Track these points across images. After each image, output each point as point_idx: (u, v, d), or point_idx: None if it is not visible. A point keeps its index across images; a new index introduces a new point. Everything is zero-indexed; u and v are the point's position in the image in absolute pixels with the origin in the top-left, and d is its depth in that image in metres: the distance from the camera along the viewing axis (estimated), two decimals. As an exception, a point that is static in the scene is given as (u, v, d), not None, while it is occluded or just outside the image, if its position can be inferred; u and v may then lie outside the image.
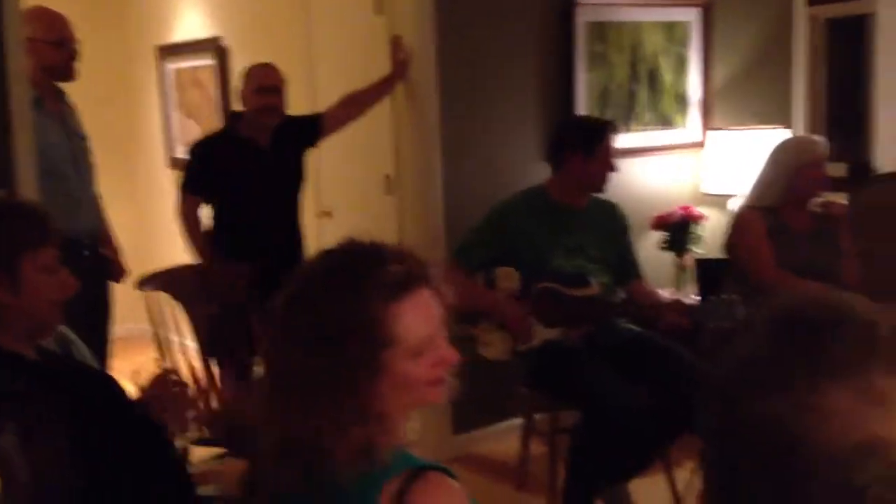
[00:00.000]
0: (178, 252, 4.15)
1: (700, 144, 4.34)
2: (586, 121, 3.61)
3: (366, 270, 1.29)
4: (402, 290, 1.28)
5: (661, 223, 4.06)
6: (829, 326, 0.70)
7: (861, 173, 5.56)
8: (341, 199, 4.36)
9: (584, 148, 3.18)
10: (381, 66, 3.78)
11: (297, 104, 3.86)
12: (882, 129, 5.41)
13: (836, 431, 0.65)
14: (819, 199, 3.53)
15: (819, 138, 3.71)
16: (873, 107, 5.59)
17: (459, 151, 3.78)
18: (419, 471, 1.21)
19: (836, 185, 4.74)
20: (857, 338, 0.68)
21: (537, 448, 3.50)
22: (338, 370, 1.23)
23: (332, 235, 4.29)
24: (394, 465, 1.22)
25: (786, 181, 3.40)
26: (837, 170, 5.76)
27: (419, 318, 1.29)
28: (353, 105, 3.73)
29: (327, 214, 4.40)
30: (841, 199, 3.87)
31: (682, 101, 4.32)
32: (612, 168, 3.23)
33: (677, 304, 3.10)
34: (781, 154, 3.45)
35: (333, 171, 4.33)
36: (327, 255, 1.35)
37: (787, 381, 0.68)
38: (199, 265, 3.55)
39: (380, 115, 3.87)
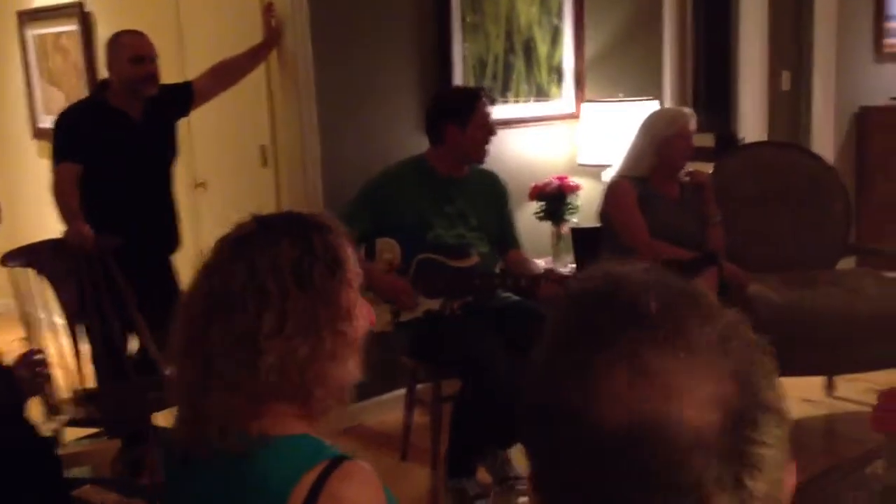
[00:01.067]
0: (45, 226, 3.96)
1: (575, 116, 4.41)
2: (458, 91, 3.63)
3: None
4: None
5: (539, 193, 4.12)
6: (600, 303, 0.68)
7: (727, 143, 5.80)
8: (216, 170, 4.25)
9: (459, 118, 3.19)
10: (253, 34, 3.69)
11: (167, 74, 3.72)
12: (745, 101, 5.65)
13: (610, 411, 0.63)
14: (686, 169, 3.65)
15: (686, 110, 3.84)
16: (737, 79, 5.83)
17: (336, 122, 3.73)
18: (337, 461, 1.19)
19: (705, 154, 4.91)
20: (623, 313, 0.66)
21: (421, 417, 3.52)
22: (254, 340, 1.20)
23: (207, 207, 4.26)
24: (309, 455, 1.20)
25: (655, 152, 3.52)
26: (705, 140, 6.00)
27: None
28: (225, 74, 3.63)
29: (202, 186, 4.29)
30: (710, 168, 4.02)
31: (557, 72, 4.38)
32: (489, 135, 3.25)
33: (552, 274, 3.16)
34: (650, 125, 3.57)
35: (207, 141, 4.22)
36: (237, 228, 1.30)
37: (566, 362, 0.66)
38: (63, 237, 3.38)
39: (254, 85, 3.78)
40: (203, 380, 1.21)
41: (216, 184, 4.25)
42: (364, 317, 1.31)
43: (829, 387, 3.86)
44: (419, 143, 3.46)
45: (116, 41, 3.42)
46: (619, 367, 0.64)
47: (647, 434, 0.62)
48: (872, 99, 5.96)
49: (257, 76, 3.77)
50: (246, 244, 1.25)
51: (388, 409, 3.83)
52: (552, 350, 0.69)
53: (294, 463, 1.18)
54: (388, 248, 3.19)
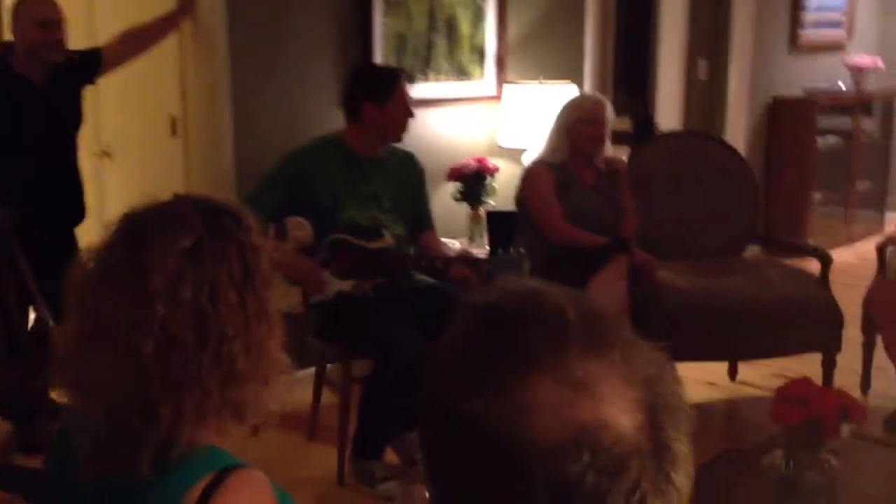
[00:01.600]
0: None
1: (496, 97, 4.39)
2: (379, 69, 3.56)
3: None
4: None
5: (457, 174, 4.09)
6: (520, 317, 0.68)
7: (644, 128, 5.87)
8: (122, 139, 4.11)
9: (378, 97, 3.14)
10: (166, 1, 3.56)
11: (74, 39, 3.56)
12: (662, 87, 5.72)
13: (544, 424, 0.63)
14: (604, 156, 3.68)
15: (595, 95, 3.88)
16: (656, 66, 5.90)
17: (250, 93, 3.63)
18: (226, 471, 1.13)
19: (622, 139, 4.96)
20: (548, 326, 0.67)
21: (329, 398, 3.48)
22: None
23: (113, 177, 4.12)
24: (200, 464, 1.13)
25: (566, 137, 3.55)
26: (623, 124, 6.06)
27: None
28: (135, 41, 3.49)
29: (107, 155, 4.14)
30: (625, 153, 4.06)
31: (478, 52, 4.35)
32: (408, 116, 3.20)
33: (465, 257, 3.15)
34: (562, 112, 3.62)
35: (114, 110, 4.07)
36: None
37: (487, 378, 0.65)
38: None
39: (165, 52, 3.65)
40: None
41: (122, 153, 4.11)
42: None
43: (733, 371, 3.95)
44: (336, 119, 3.39)
45: (23, 4, 3.26)
46: (547, 380, 0.64)
47: (585, 444, 0.62)
48: (786, 90, 6.09)
49: (169, 44, 3.64)
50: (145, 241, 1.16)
51: (294, 390, 3.76)
52: (463, 363, 0.68)
53: (182, 476, 1.12)
54: (299, 227, 3.12)
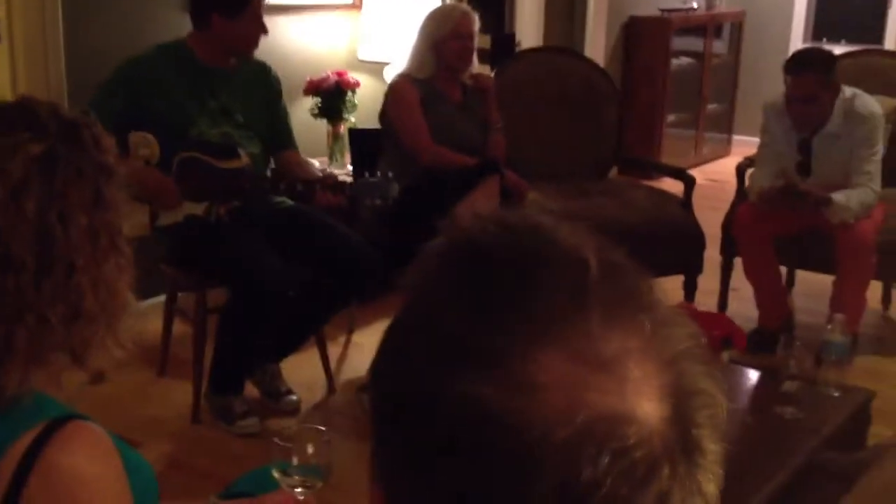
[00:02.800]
0: None
1: (356, 6, 4.14)
2: None
3: None
4: None
5: (315, 88, 3.85)
6: (524, 263, 0.51)
7: (503, 46, 5.75)
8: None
9: (229, 9, 2.85)
10: None
11: None
12: (521, 4, 5.59)
13: (553, 414, 0.47)
14: (472, 71, 3.53)
15: (463, 7, 3.70)
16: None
17: (84, -4, 3.26)
18: (58, 422, 0.98)
19: (482, 56, 4.81)
20: (563, 278, 0.51)
21: (181, 329, 3.25)
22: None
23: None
24: (29, 412, 0.98)
25: (433, 52, 3.37)
26: (482, 41, 5.91)
27: None
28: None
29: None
30: (486, 70, 3.92)
31: (337, -43, 4.08)
32: (260, 32, 2.93)
33: (329, 179, 2.95)
34: (425, 24, 3.43)
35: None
36: None
37: (477, 352, 0.48)
38: None
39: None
40: None
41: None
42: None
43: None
44: (181, 26, 3.08)
45: None
46: (559, 354, 0.48)
47: (605, 442, 0.47)
48: (642, 9, 6.09)
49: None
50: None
51: (142, 320, 3.51)
52: (442, 330, 0.50)
53: (7, 424, 0.97)
54: (145, 144, 2.83)
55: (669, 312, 0.53)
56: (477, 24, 3.48)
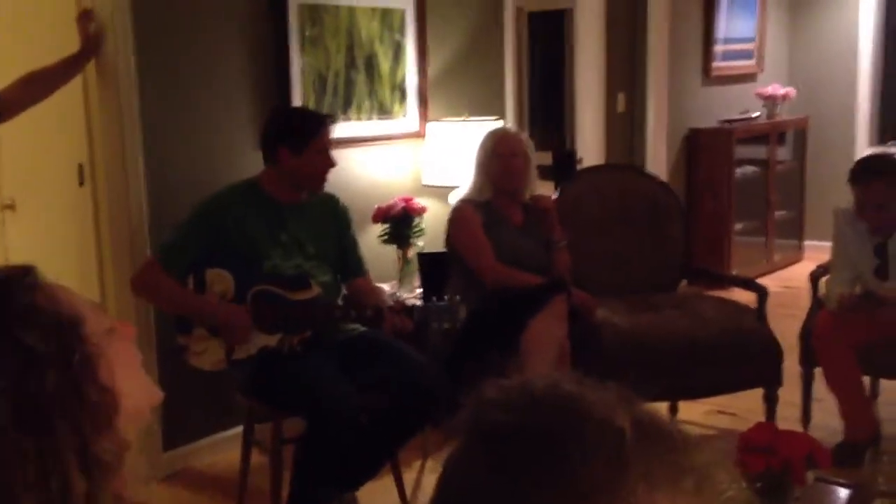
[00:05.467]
0: None
1: (419, 135, 4.28)
2: (298, 113, 3.39)
3: None
4: None
5: (383, 215, 3.95)
6: (561, 445, 0.51)
7: (564, 162, 5.85)
8: (27, 190, 3.85)
9: (295, 143, 2.97)
10: (72, 42, 3.34)
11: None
12: (582, 121, 5.71)
13: None
14: (531, 193, 3.60)
15: (506, 128, 3.81)
16: (574, 100, 5.89)
17: (163, 138, 3.43)
18: None
19: (542, 173, 4.90)
20: (603, 452, 0.50)
21: (259, 459, 3.27)
22: None
23: (17, 230, 3.85)
24: None
25: (484, 175, 3.47)
26: (543, 158, 6.03)
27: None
28: (36, 85, 3.25)
29: (10, 207, 3.88)
30: (548, 187, 3.98)
31: (400, 90, 4.23)
32: (328, 166, 3.04)
33: (399, 306, 3.00)
34: (478, 148, 3.53)
35: (16, 158, 3.81)
36: None
37: None
38: None
39: (70, 97, 3.43)
40: None
41: (27, 205, 3.85)
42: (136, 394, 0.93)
43: (672, 409, 3.88)
44: (254, 162, 3.22)
45: None
46: None
47: None
48: (701, 121, 6.16)
49: (73, 88, 3.41)
50: None
51: (220, 451, 3.55)
52: None
53: None
54: (220, 280, 2.93)
55: (708, 460, 0.52)
56: (526, 143, 3.56)
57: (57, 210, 3.72)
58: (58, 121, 3.56)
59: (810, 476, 1.99)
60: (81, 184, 3.59)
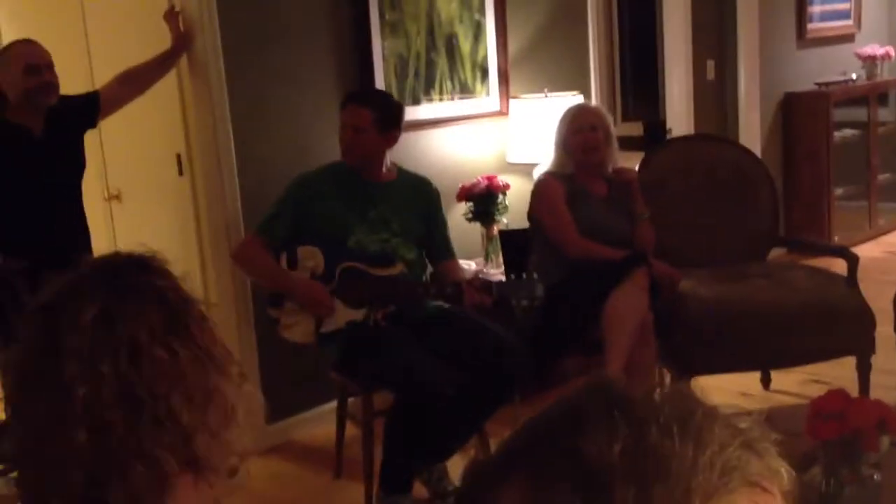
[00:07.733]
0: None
1: (502, 113, 4.33)
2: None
3: None
4: None
5: (467, 194, 4.03)
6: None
7: (655, 132, 5.79)
8: (131, 180, 4.08)
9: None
10: (164, 40, 3.52)
11: (74, 83, 3.54)
12: (671, 90, 5.64)
13: None
14: (614, 165, 3.60)
15: (584, 103, 3.81)
16: (663, 69, 5.82)
17: (252, 127, 3.58)
18: None
19: (635, 144, 4.88)
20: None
21: (354, 432, 3.41)
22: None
23: (123, 219, 4.08)
24: None
25: (564, 149, 3.50)
26: (634, 129, 5.98)
27: None
28: (133, 82, 3.45)
29: (116, 198, 4.11)
30: (640, 156, 3.97)
31: (481, 69, 4.29)
32: (342, 140, 3.16)
33: (476, 280, 3.07)
34: (558, 123, 3.56)
35: (121, 151, 4.04)
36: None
37: None
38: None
39: (166, 91, 3.62)
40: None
41: (131, 195, 4.07)
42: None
43: (766, 380, 3.85)
44: (338, 148, 3.33)
45: (7, 52, 3.23)
46: None
47: None
48: (797, 85, 6.00)
49: (168, 82, 3.60)
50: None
51: (319, 424, 3.71)
52: None
53: None
54: (310, 256, 3.08)
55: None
56: (605, 117, 3.57)
57: (159, 199, 3.93)
58: (156, 114, 3.76)
59: (885, 441, 1.98)
60: (181, 174, 3.78)
